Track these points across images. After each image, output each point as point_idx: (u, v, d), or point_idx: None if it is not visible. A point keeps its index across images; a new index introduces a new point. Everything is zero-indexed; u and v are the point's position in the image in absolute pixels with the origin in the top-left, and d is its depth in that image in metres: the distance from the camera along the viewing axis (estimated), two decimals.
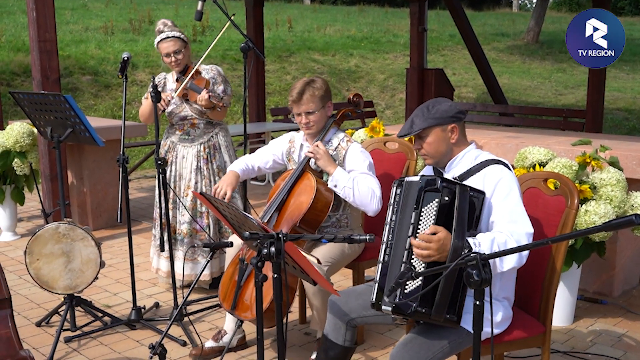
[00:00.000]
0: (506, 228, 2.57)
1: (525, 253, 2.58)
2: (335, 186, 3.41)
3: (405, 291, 2.49)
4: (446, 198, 2.49)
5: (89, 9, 18.65)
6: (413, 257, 2.51)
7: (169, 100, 4.29)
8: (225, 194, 3.58)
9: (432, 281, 2.41)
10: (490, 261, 2.45)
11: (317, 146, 3.48)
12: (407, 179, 2.68)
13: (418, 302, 2.46)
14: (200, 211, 4.47)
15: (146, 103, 4.36)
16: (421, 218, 2.52)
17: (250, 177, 3.87)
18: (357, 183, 3.40)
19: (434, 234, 2.46)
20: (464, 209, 2.50)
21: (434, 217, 2.50)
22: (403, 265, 2.52)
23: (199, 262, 4.51)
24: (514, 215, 2.60)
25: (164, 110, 4.31)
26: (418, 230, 2.51)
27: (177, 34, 4.32)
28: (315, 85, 3.47)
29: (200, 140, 4.45)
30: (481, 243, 2.49)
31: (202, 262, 4.51)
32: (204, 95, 4.19)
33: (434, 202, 2.51)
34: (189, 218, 4.46)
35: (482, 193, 2.58)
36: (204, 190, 4.44)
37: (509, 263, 2.54)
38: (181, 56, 4.32)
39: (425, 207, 2.52)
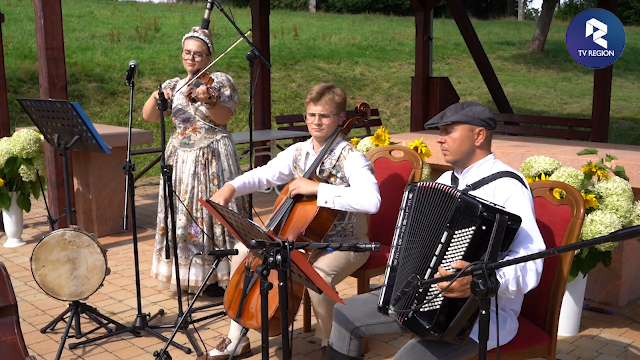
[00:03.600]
0: (520, 247, 2.57)
1: (541, 269, 2.56)
2: (326, 202, 3.39)
3: (421, 310, 2.47)
4: (483, 227, 2.41)
5: (96, 17, 18.73)
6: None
7: (171, 95, 4.36)
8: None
9: (450, 309, 2.39)
10: (513, 285, 2.46)
11: (292, 186, 3.54)
12: (422, 183, 2.67)
13: (432, 325, 2.44)
14: (195, 216, 4.49)
15: (150, 98, 4.42)
16: (452, 241, 2.46)
17: (253, 191, 3.87)
18: (344, 190, 3.40)
19: (459, 270, 2.41)
20: (499, 240, 2.41)
21: (465, 245, 2.43)
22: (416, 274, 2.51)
23: (192, 266, 4.49)
24: (527, 233, 2.59)
25: (164, 97, 4.23)
26: (447, 253, 2.46)
27: (205, 39, 4.42)
28: (335, 90, 3.52)
29: (200, 146, 4.47)
30: (505, 273, 2.48)
31: (194, 267, 4.51)
32: (202, 87, 4.20)
33: (469, 229, 2.42)
34: (184, 222, 4.48)
35: (519, 219, 2.48)
36: (199, 195, 4.47)
37: (531, 283, 2.54)
38: (199, 59, 4.40)
39: (459, 231, 2.45)
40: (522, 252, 2.54)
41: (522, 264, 2.49)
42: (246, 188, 3.77)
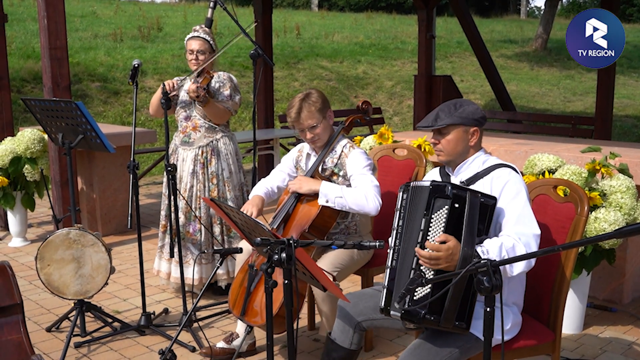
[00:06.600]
0: (513, 230, 2.58)
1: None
2: (327, 201, 3.40)
3: (415, 298, 2.49)
4: (456, 205, 2.49)
5: (98, 17, 18.75)
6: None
7: (175, 87, 4.38)
8: (252, 215, 3.58)
9: (441, 288, 2.41)
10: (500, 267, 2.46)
11: (293, 183, 3.54)
12: (413, 183, 2.69)
13: (427, 309, 2.46)
14: (194, 215, 4.50)
15: (158, 92, 4.44)
16: (431, 225, 2.53)
17: (273, 199, 3.85)
18: (346, 190, 3.40)
19: (444, 242, 2.47)
20: (474, 216, 2.50)
21: (443, 224, 2.51)
22: (412, 271, 2.52)
23: (189, 265, 4.50)
24: (521, 217, 2.61)
25: (168, 96, 4.24)
26: (428, 237, 2.52)
27: (207, 37, 4.44)
28: (311, 99, 3.48)
29: (200, 144, 4.48)
30: (489, 250, 2.50)
31: (191, 265, 4.52)
32: (192, 86, 4.22)
33: (443, 209, 2.51)
34: (183, 221, 4.50)
35: (494, 198, 2.57)
36: (198, 194, 4.48)
37: (518, 268, 2.55)
38: (202, 57, 4.42)
39: (435, 214, 2.52)
40: (516, 238, 2.56)
41: (511, 245, 2.52)
42: (267, 197, 3.76)
